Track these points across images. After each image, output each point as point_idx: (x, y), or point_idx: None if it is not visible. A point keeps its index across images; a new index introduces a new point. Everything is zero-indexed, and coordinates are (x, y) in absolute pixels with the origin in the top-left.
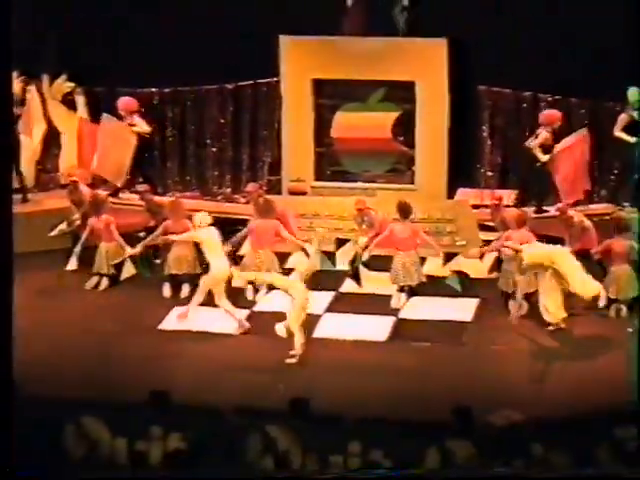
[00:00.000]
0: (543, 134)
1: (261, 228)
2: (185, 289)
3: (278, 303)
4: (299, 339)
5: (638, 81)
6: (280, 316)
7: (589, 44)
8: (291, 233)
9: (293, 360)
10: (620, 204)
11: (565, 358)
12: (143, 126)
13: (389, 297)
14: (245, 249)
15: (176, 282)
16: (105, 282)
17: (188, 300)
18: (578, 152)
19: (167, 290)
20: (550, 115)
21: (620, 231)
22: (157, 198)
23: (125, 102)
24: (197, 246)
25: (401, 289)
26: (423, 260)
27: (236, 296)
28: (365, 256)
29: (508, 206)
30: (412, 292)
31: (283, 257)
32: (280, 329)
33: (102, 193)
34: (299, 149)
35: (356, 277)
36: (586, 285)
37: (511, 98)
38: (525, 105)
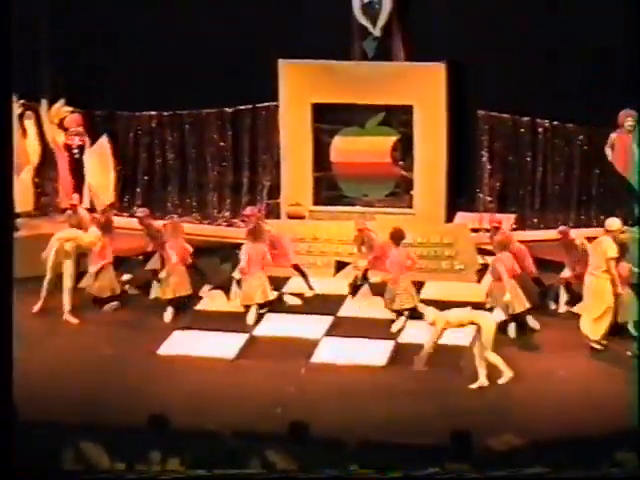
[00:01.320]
0: (610, 137)
1: (252, 252)
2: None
3: (278, 327)
4: (483, 370)
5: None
6: (281, 341)
7: (588, 68)
8: (287, 256)
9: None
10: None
11: (564, 381)
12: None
13: (388, 321)
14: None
15: (177, 306)
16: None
17: (190, 325)
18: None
19: (169, 315)
20: (621, 114)
21: (622, 254)
22: (156, 223)
23: (74, 118)
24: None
25: (400, 313)
26: (422, 284)
27: (235, 320)
28: (373, 278)
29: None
30: (412, 316)
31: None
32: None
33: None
34: (298, 173)
35: (355, 291)
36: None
37: (509, 123)
38: (523, 130)
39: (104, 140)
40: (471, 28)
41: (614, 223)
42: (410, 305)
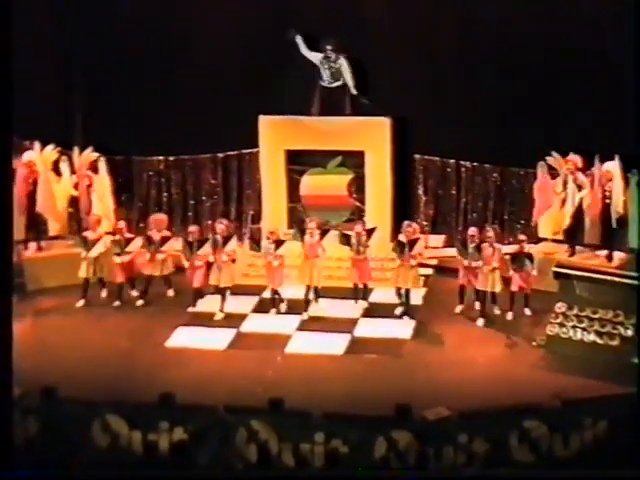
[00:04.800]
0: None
1: None
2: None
3: (260, 325)
4: None
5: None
6: (261, 335)
7: (501, 122)
8: None
9: None
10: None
11: (483, 366)
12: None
13: (345, 320)
14: None
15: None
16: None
17: (190, 323)
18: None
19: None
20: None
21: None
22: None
23: (87, 156)
24: None
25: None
26: (371, 290)
27: (226, 319)
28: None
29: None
30: (366, 314)
31: None
32: None
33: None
34: (275, 204)
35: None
36: None
37: (439, 164)
38: (449, 170)
39: (103, 174)
40: (410, 91)
41: None
42: (319, 284)
